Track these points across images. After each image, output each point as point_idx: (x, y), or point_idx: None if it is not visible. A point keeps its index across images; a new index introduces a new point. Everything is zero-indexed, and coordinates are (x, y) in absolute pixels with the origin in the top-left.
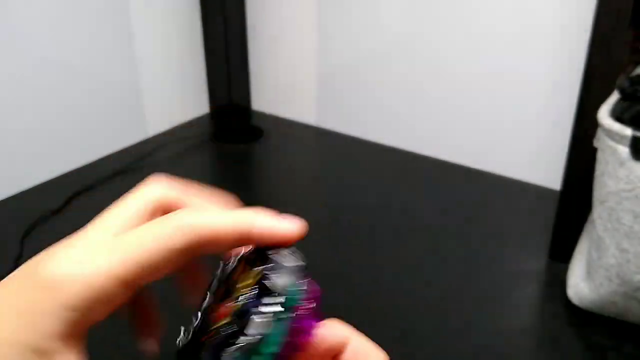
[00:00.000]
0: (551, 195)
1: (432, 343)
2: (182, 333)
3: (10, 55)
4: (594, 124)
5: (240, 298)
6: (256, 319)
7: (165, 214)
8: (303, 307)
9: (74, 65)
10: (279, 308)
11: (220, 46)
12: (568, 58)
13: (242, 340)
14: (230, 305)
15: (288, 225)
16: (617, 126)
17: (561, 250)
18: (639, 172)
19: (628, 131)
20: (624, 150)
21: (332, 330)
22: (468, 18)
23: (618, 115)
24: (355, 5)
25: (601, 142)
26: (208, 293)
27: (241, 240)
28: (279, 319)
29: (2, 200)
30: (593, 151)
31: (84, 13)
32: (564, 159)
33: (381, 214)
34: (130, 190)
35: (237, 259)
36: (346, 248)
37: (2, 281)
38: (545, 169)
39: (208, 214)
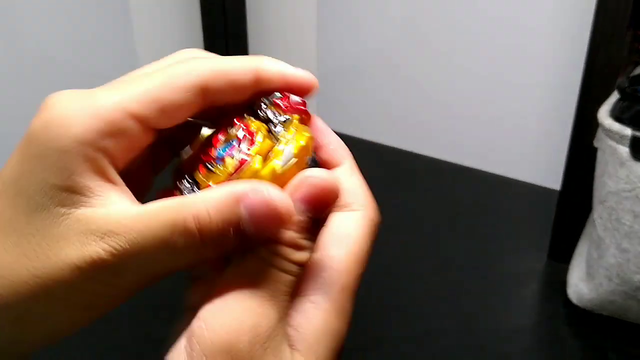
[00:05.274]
0: (551, 195)
1: (431, 342)
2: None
3: (8, 54)
4: (594, 124)
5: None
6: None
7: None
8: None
9: (74, 65)
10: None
11: (220, 46)
12: (568, 58)
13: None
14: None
15: (298, 70)
16: (617, 126)
17: (561, 250)
18: (639, 172)
19: (628, 131)
20: (624, 150)
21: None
22: (468, 19)
23: (618, 115)
24: (355, 5)
25: (601, 142)
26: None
27: (252, 82)
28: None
29: None
30: (593, 151)
31: (84, 14)
32: (564, 159)
33: (380, 214)
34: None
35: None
36: None
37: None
38: (545, 169)
39: (216, 57)
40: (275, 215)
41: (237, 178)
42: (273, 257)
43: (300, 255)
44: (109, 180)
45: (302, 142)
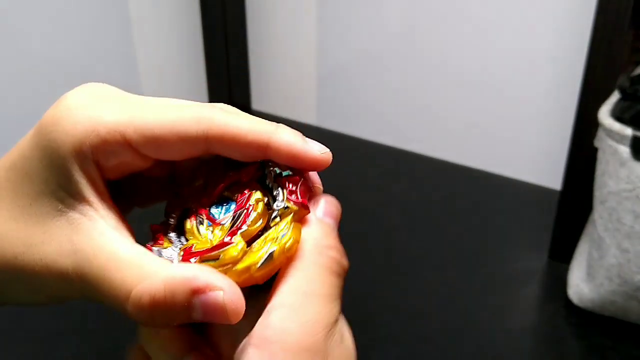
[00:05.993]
0: (551, 195)
1: (431, 342)
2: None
3: (8, 54)
4: (595, 124)
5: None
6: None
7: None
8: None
9: (72, 65)
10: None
11: (220, 46)
12: (568, 58)
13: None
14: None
15: (312, 146)
16: (617, 126)
17: (561, 250)
18: (639, 172)
19: (628, 131)
20: (625, 150)
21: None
22: (468, 19)
23: (618, 115)
24: (355, 5)
25: (602, 142)
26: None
27: (259, 149)
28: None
29: None
30: (593, 151)
31: (83, 14)
32: (564, 159)
33: (380, 214)
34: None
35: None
36: (345, 248)
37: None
38: (545, 169)
39: (230, 114)
40: (223, 315)
41: (216, 256)
42: (332, 264)
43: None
44: (98, 191)
45: (287, 245)
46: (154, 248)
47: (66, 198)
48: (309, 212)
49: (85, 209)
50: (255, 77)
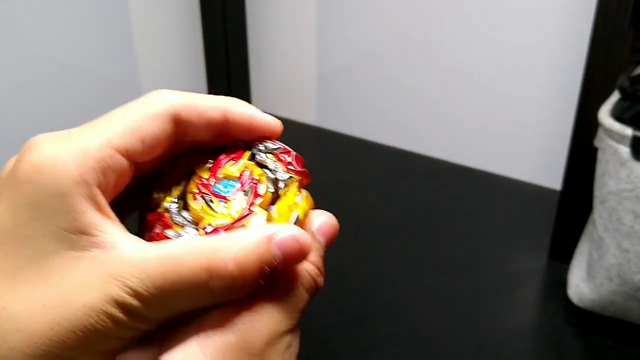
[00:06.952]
0: (551, 195)
1: (431, 342)
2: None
3: (6, 54)
4: (595, 124)
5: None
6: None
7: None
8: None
9: (72, 65)
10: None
11: (220, 46)
12: (568, 57)
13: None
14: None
15: (265, 115)
16: (617, 126)
17: (561, 250)
18: (639, 172)
19: (629, 131)
20: (625, 150)
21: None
22: (468, 19)
23: (619, 115)
24: (355, 5)
25: (602, 142)
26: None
27: (221, 119)
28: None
29: None
30: (593, 151)
31: (83, 14)
32: (564, 159)
33: (380, 214)
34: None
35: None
36: (345, 248)
37: None
38: (545, 169)
39: (188, 93)
40: (302, 249)
41: (242, 226)
42: (305, 277)
43: (321, 280)
44: (107, 216)
45: (306, 208)
46: (167, 232)
47: (78, 240)
48: (310, 180)
49: (101, 239)
50: (255, 77)
